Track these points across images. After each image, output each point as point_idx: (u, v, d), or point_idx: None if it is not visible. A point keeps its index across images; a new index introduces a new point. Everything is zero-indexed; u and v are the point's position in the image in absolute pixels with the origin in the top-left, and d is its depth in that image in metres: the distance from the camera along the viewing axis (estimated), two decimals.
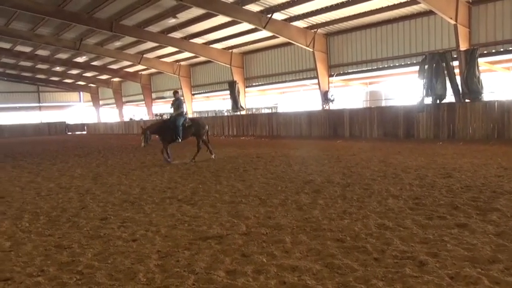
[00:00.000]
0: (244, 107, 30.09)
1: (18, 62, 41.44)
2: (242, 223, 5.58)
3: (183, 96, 33.56)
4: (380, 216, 5.63)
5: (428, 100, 18.12)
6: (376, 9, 19.68)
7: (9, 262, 4.49)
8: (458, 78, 17.45)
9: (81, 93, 57.69)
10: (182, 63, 35.08)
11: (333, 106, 24.51)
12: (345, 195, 7.03)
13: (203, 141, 13.47)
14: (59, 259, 4.50)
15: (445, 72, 17.55)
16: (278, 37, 23.63)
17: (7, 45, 34.28)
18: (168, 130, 12.82)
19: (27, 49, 35.20)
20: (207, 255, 4.41)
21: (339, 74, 24.25)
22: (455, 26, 17.20)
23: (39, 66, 43.01)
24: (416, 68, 18.85)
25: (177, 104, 13.27)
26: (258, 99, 36.49)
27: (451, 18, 17.04)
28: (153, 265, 4.20)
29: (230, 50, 29.34)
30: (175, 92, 13.93)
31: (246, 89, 30.61)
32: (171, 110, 13.68)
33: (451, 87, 17.56)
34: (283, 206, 6.48)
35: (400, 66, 21.34)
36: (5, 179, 11.27)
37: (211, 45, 28.52)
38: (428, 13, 19.03)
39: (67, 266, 4.30)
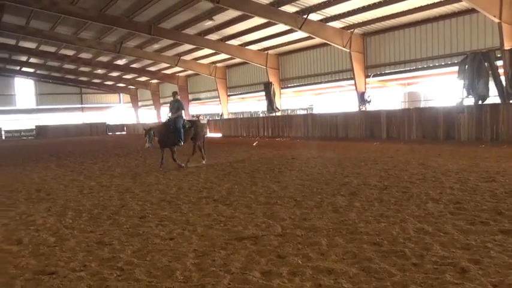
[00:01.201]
0: (279, 108, 30.09)
1: (62, 65, 43.21)
2: (277, 224, 5.58)
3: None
4: (419, 220, 5.48)
5: (469, 101, 17.48)
6: (415, 8, 19.17)
7: (54, 257, 4.68)
8: (502, 78, 16.76)
9: (121, 94, 59.55)
10: (218, 64, 35.46)
11: (369, 107, 24.11)
12: (382, 198, 6.89)
13: (198, 145, 13.08)
14: (100, 255, 4.66)
15: (489, 72, 16.89)
16: (314, 38, 23.47)
17: (52, 49, 35.79)
18: (169, 133, 12.35)
19: (71, 52, 36.66)
20: (242, 255, 4.44)
21: (376, 75, 23.81)
22: (500, 24, 16.50)
23: (82, 69, 44.74)
24: (457, 68, 18.23)
25: (177, 106, 12.81)
26: (294, 100, 36.34)
27: (494, 17, 16.39)
28: (189, 263, 4.28)
29: (266, 51, 29.41)
30: (175, 93, 13.34)
31: (282, 90, 30.59)
32: (166, 115, 13.04)
33: (495, 87, 16.87)
34: (318, 208, 6.43)
35: (440, 66, 20.70)
36: (50, 177, 11.78)
37: (247, 47, 28.68)
38: (470, 11, 18.38)
39: (108, 262, 4.44)
